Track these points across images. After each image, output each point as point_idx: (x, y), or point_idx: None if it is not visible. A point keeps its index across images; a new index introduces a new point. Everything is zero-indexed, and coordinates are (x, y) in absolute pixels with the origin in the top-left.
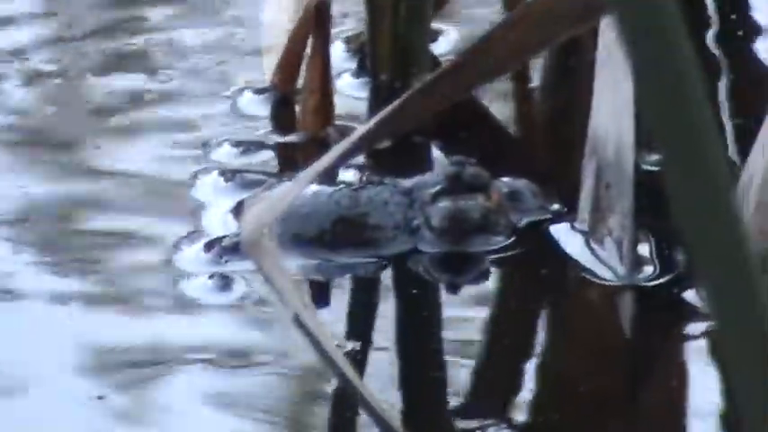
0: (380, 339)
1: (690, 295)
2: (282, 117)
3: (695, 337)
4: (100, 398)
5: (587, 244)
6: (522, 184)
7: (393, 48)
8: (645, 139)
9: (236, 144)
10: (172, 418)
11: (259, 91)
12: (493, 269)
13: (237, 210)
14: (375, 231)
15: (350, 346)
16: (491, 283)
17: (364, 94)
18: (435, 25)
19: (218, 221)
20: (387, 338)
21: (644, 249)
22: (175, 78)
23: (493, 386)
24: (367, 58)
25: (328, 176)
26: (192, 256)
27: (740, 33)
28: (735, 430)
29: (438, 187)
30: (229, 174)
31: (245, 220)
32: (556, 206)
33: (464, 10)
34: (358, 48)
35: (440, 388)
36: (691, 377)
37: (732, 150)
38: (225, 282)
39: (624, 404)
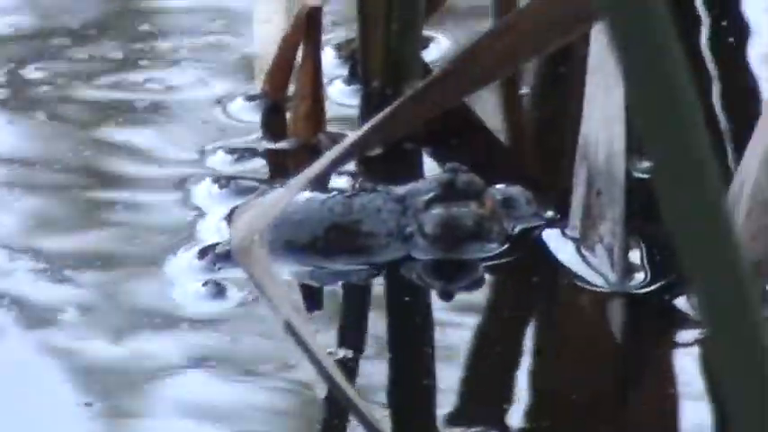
0: (373, 346)
1: (681, 302)
2: (273, 124)
3: (687, 344)
4: (87, 404)
5: (578, 251)
6: (516, 190)
7: (384, 55)
8: (636, 145)
9: (229, 151)
10: (161, 427)
11: (250, 98)
12: (486, 276)
13: (231, 217)
14: (368, 238)
15: (342, 353)
16: (483, 290)
17: (355, 101)
18: (426, 33)
19: (211, 228)
20: (379, 345)
21: (635, 256)
22: (166, 85)
23: (484, 393)
24: (358, 65)
25: (321, 183)
26: (186, 263)
27: (731, 39)
28: None
29: (431, 194)
30: (223, 180)
31: (236, 228)
32: (550, 213)
33: (455, 17)
34: (349, 55)
35: (431, 395)
36: (682, 384)
37: (724, 156)
38: (218, 289)
39: (615, 411)
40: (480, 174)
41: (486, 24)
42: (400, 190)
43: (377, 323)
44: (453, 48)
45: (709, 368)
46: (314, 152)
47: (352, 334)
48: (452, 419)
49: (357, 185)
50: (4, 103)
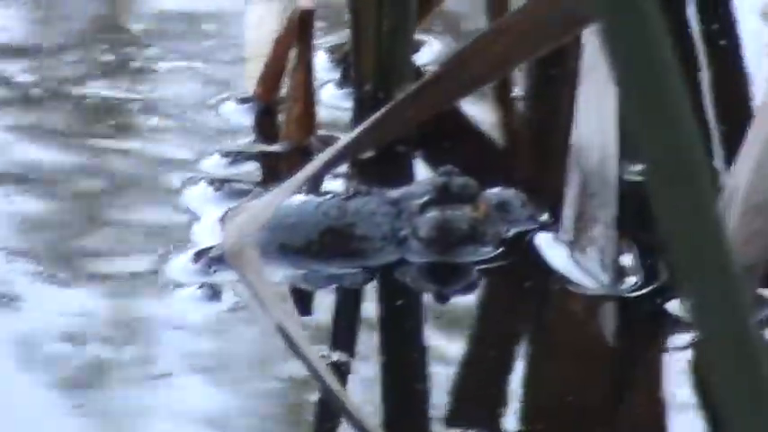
0: (366, 349)
1: (673, 306)
2: (266, 127)
3: (678, 348)
4: (78, 407)
5: (571, 254)
6: (510, 194)
7: (376, 58)
8: (628, 148)
9: (222, 154)
10: (154, 429)
11: (242, 101)
12: (480, 279)
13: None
14: (362, 242)
15: (336, 356)
16: (477, 294)
17: (348, 104)
18: (418, 36)
19: (206, 231)
20: (372, 348)
21: (627, 259)
22: (157, 88)
23: (477, 397)
24: (350, 68)
25: (315, 186)
26: (181, 266)
27: (723, 42)
28: None
29: (426, 198)
30: (217, 183)
31: (228, 231)
32: (545, 216)
33: (447, 21)
34: (341, 58)
35: (424, 399)
36: (674, 387)
37: (717, 159)
38: (213, 292)
39: (607, 414)
40: (473, 176)
41: (478, 27)
42: (395, 193)
43: (371, 326)
44: (445, 51)
45: (701, 371)
46: (306, 155)
47: (345, 337)
48: (445, 423)
49: (352, 189)
50: None
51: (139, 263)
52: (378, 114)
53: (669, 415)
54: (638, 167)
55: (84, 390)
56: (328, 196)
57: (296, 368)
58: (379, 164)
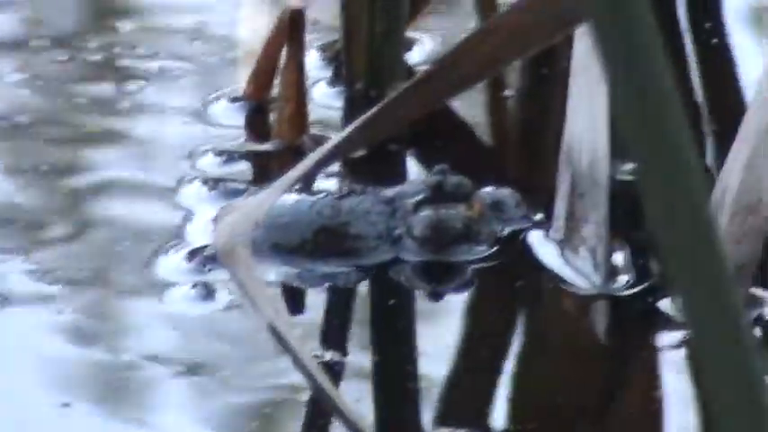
0: (359, 348)
1: (665, 304)
2: (257, 126)
3: (670, 347)
4: (65, 405)
5: (562, 253)
6: (504, 193)
7: (368, 57)
8: (620, 148)
9: (214, 153)
10: (146, 427)
11: (234, 100)
12: (474, 278)
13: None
14: (357, 241)
15: (329, 355)
16: (471, 293)
17: (339, 103)
18: (410, 35)
19: (200, 230)
20: (365, 348)
21: (619, 259)
22: (148, 87)
23: (470, 395)
24: (342, 67)
25: (308, 185)
26: (174, 265)
27: (714, 41)
28: None
29: (420, 196)
30: (210, 182)
31: (219, 230)
32: (539, 216)
33: (438, 19)
34: (333, 56)
35: (417, 398)
36: (666, 386)
37: (708, 158)
38: (207, 291)
39: (600, 412)
40: (464, 175)
41: (470, 26)
42: (389, 192)
43: (364, 325)
44: (437, 50)
45: (693, 370)
46: (298, 154)
47: (339, 336)
48: (438, 422)
49: (345, 187)
50: None
51: (132, 262)
52: (369, 113)
53: (660, 413)
54: (630, 167)
55: (73, 387)
56: (322, 195)
57: (288, 367)
58: (370, 163)
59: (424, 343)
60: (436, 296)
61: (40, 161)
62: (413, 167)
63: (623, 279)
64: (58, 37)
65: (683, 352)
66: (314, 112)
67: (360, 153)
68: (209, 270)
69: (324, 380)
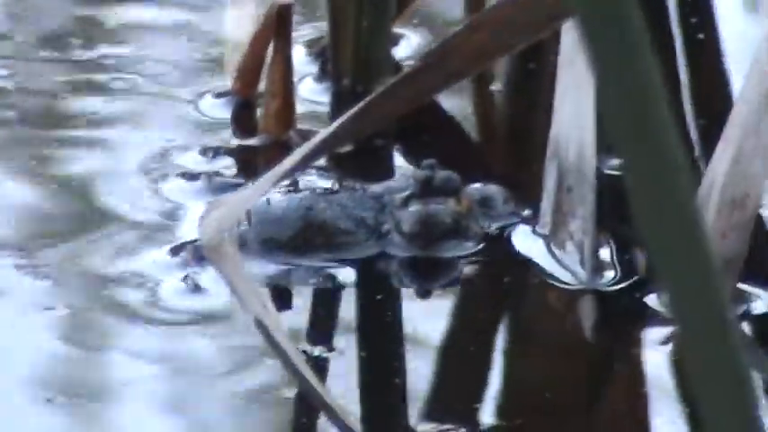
0: (347, 344)
1: (651, 299)
2: (244, 121)
3: (657, 342)
4: (48, 401)
5: (549, 248)
6: (493, 189)
7: (355, 52)
8: (606, 142)
9: (201, 148)
10: (131, 422)
11: (220, 95)
12: (461, 274)
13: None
14: (345, 236)
15: (317, 350)
16: (459, 288)
17: (326, 98)
18: (397, 30)
19: (189, 225)
20: (353, 343)
21: (605, 253)
22: (135, 83)
23: (457, 391)
24: (329, 62)
25: (295, 181)
26: (162, 260)
27: (701, 36)
28: None
29: (409, 191)
30: (197, 178)
31: (205, 225)
32: (527, 212)
33: (426, 14)
34: (320, 52)
35: (404, 393)
36: (653, 381)
37: (695, 153)
38: (195, 286)
39: (587, 408)
40: (451, 170)
41: (457, 21)
42: (377, 187)
43: (352, 321)
44: (424, 45)
45: (680, 365)
46: (285, 149)
47: (326, 331)
48: (425, 417)
49: (334, 183)
50: None
51: (120, 258)
52: (356, 108)
53: (648, 408)
54: (617, 161)
55: (61, 383)
56: (310, 190)
57: (275, 363)
58: (357, 158)
59: (412, 338)
60: (424, 292)
61: (25, 157)
62: (400, 163)
63: (610, 274)
64: (44, 34)
65: (669, 347)
66: (301, 108)
67: (347, 148)
68: (197, 265)
69: (311, 375)
